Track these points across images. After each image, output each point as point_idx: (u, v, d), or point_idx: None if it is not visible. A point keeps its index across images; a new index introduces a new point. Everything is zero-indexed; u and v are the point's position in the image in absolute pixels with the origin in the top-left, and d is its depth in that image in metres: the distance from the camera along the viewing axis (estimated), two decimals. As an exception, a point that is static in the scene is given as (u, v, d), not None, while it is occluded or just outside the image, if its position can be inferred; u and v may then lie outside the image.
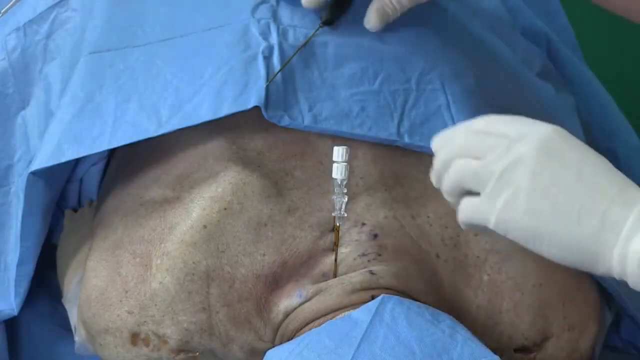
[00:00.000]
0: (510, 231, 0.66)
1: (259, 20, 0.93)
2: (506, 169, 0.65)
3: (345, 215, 0.83)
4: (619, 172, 0.68)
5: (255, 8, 0.95)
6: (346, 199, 0.83)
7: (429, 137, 0.87)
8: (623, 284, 0.89)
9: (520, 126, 0.67)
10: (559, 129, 0.66)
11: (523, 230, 0.66)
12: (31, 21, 1.02)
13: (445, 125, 0.89)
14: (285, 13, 0.94)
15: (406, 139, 0.87)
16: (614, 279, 0.67)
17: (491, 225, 0.67)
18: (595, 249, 0.66)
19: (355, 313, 0.76)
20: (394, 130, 0.87)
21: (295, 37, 0.92)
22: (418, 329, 0.74)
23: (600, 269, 0.67)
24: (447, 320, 0.77)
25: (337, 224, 0.84)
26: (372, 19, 0.88)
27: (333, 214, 0.83)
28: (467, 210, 0.68)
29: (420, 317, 0.75)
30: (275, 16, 0.94)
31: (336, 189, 0.83)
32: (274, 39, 0.91)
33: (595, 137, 1.23)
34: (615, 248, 0.65)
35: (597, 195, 0.65)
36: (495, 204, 0.66)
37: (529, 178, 0.65)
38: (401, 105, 0.89)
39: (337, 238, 0.84)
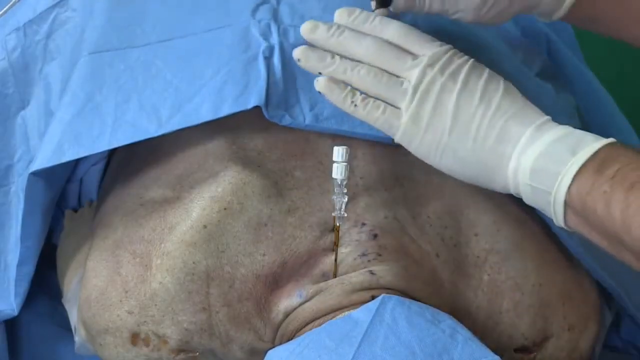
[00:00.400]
0: (412, 143, 0.75)
1: (259, 21, 0.93)
2: (418, 89, 0.74)
3: (345, 215, 0.83)
4: (522, 95, 0.74)
5: (256, 9, 0.95)
6: (346, 199, 0.83)
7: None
8: (624, 283, 0.90)
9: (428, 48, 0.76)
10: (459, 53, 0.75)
11: (424, 145, 0.75)
12: (31, 21, 1.02)
13: None
14: (285, 13, 0.94)
15: None
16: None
17: (397, 138, 0.76)
18: (492, 162, 0.73)
19: (356, 313, 0.76)
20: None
21: (296, 37, 0.92)
22: (418, 329, 0.74)
23: (497, 184, 0.75)
24: (447, 320, 0.77)
25: (337, 224, 0.84)
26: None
27: (333, 214, 0.83)
28: (375, 118, 0.76)
29: (420, 317, 0.75)
30: (275, 16, 0.94)
31: (336, 189, 0.83)
32: (274, 39, 0.91)
33: (595, 137, 1.23)
34: (510, 162, 0.72)
35: (496, 113, 0.72)
36: (401, 119, 0.75)
37: (435, 98, 0.74)
38: (402, 105, 0.89)
39: (337, 238, 0.84)
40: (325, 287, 0.83)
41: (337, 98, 0.77)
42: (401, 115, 0.75)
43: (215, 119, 0.85)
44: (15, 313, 0.96)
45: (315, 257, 0.84)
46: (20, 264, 0.94)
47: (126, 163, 0.97)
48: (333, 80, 0.77)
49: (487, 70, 0.76)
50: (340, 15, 0.79)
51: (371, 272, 0.83)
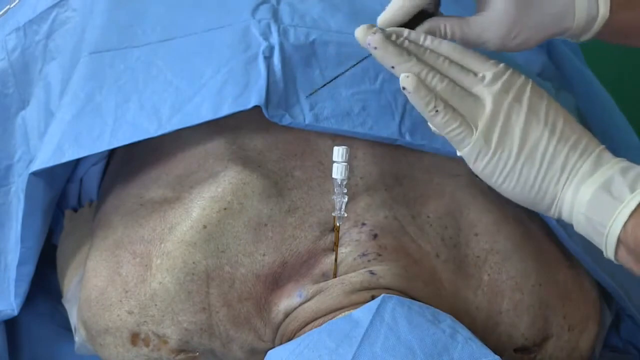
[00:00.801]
0: (477, 162, 0.74)
1: (259, 21, 0.93)
2: (491, 107, 0.73)
3: (346, 215, 0.83)
4: (576, 120, 0.75)
5: (256, 8, 0.95)
6: (346, 199, 0.83)
7: (430, 136, 0.87)
8: (624, 283, 0.90)
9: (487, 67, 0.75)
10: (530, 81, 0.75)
11: (490, 166, 0.74)
12: (31, 21, 1.02)
13: None
14: (286, 13, 0.94)
15: (407, 138, 0.87)
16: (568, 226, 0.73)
17: (463, 153, 0.75)
18: (552, 190, 0.73)
19: (356, 313, 0.76)
20: (395, 129, 0.87)
21: (296, 36, 0.92)
22: (419, 329, 0.74)
23: (551, 210, 0.75)
24: (447, 320, 0.77)
25: (337, 224, 0.84)
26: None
27: (333, 214, 0.83)
28: (451, 128, 0.74)
29: (420, 317, 0.75)
30: (275, 16, 0.94)
31: (336, 189, 0.83)
32: (274, 39, 0.91)
33: (595, 137, 1.23)
34: (569, 190, 0.72)
35: (560, 140, 0.73)
36: (473, 135, 0.73)
37: (503, 119, 0.73)
38: (402, 105, 0.89)
39: (337, 238, 0.84)
40: (325, 287, 0.83)
41: (421, 100, 0.74)
42: (473, 132, 0.74)
43: (215, 118, 0.85)
44: (15, 313, 0.96)
45: (315, 257, 0.84)
46: (20, 264, 0.94)
47: (126, 163, 0.97)
48: (422, 80, 0.75)
49: (545, 92, 0.75)
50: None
51: (371, 272, 0.83)
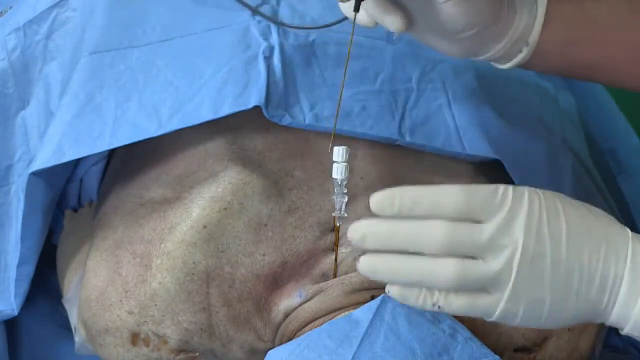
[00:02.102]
0: (513, 320, 0.66)
1: (259, 21, 0.93)
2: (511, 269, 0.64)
3: (346, 215, 0.83)
4: (591, 214, 0.67)
5: (256, 9, 0.95)
6: (346, 199, 0.83)
7: (430, 135, 0.87)
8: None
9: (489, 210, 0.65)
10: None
11: (526, 319, 0.66)
12: (31, 21, 1.02)
13: (446, 124, 0.89)
14: (285, 13, 0.94)
15: (407, 138, 0.87)
16: None
17: (494, 319, 0.66)
18: (596, 312, 0.66)
19: (356, 313, 0.76)
20: (395, 129, 0.87)
21: (296, 37, 0.92)
22: (419, 329, 0.74)
23: (598, 322, 0.68)
24: (447, 320, 0.77)
25: (337, 224, 0.84)
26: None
27: (333, 214, 0.83)
28: (468, 308, 0.66)
29: (420, 317, 0.75)
30: (275, 16, 0.94)
31: (336, 189, 0.83)
32: (274, 39, 0.91)
33: (595, 137, 1.24)
34: (614, 310, 0.66)
35: (591, 259, 0.65)
36: (499, 304, 0.65)
37: (528, 271, 0.64)
38: (402, 105, 0.89)
39: (337, 238, 0.84)
40: (325, 287, 0.83)
41: (415, 303, 0.67)
42: (498, 300, 0.65)
43: (215, 118, 0.85)
44: (15, 313, 0.96)
45: (315, 257, 0.84)
46: (20, 264, 0.94)
47: (126, 163, 0.97)
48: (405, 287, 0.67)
49: (558, 202, 0.66)
50: (379, 206, 0.66)
51: (371, 272, 0.82)
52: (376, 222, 0.66)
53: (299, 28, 0.93)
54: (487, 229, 0.64)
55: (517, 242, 0.64)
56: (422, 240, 0.64)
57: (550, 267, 0.64)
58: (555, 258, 0.64)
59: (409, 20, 0.77)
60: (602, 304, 0.65)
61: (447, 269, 0.64)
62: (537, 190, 0.66)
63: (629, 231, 0.67)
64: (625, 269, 0.65)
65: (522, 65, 0.81)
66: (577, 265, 0.65)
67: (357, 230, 0.66)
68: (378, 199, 0.65)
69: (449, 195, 0.64)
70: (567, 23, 0.80)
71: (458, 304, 0.65)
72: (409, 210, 0.65)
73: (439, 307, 0.66)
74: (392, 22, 0.77)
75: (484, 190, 0.65)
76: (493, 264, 0.64)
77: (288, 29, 0.93)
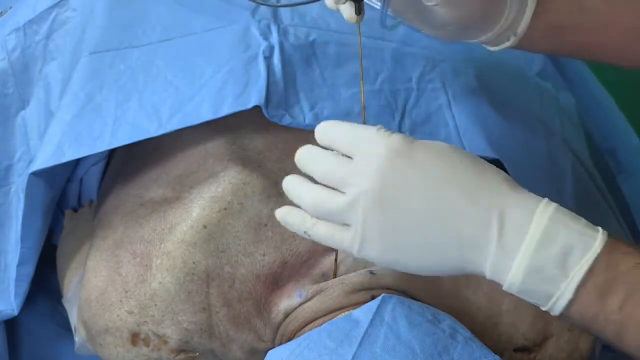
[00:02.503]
0: (372, 261, 0.70)
1: (259, 21, 0.93)
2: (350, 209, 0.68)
3: None
4: (497, 178, 0.69)
5: (256, 8, 0.95)
6: None
7: (430, 135, 0.87)
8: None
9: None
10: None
11: (386, 262, 0.70)
12: (31, 21, 1.02)
13: (446, 124, 0.89)
14: (285, 13, 0.94)
15: None
16: None
17: (355, 254, 0.70)
18: (465, 268, 0.68)
19: (356, 313, 0.76)
20: (396, 129, 0.87)
21: (296, 36, 0.92)
22: (419, 329, 0.74)
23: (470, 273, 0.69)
24: (447, 320, 0.77)
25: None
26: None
27: None
28: (330, 235, 0.71)
29: (420, 317, 0.75)
30: (275, 16, 0.94)
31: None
32: (274, 39, 0.91)
33: (595, 137, 1.24)
34: (486, 263, 0.67)
35: (448, 212, 0.67)
36: (353, 244, 0.69)
37: (374, 216, 0.68)
38: (402, 105, 0.89)
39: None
40: (325, 287, 0.83)
41: (291, 226, 0.73)
42: (354, 236, 0.70)
43: (215, 118, 0.85)
44: (15, 313, 0.96)
45: (315, 257, 0.84)
46: (20, 264, 0.94)
47: (126, 163, 0.97)
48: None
49: (434, 154, 0.69)
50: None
51: (371, 272, 0.83)
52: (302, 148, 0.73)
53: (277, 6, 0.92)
54: (347, 166, 0.69)
55: (362, 183, 0.67)
56: (310, 166, 0.72)
57: (403, 215, 0.67)
58: (409, 206, 0.67)
59: (362, 12, 0.78)
60: (470, 262, 0.67)
61: (309, 195, 0.70)
62: (403, 136, 0.69)
63: (540, 202, 0.67)
64: (497, 231, 0.66)
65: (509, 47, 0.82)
66: (435, 217, 0.67)
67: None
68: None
69: (341, 130, 0.71)
70: (558, 12, 0.80)
71: (320, 232, 0.71)
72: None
73: (304, 232, 0.71)
74: (344, 10, 0.78)
75: (364, 130, 0.70)
76: (340, 199, 0.68)
77: (288, 27, 0.93)
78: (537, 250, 0.65)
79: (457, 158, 0.69)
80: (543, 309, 0.67)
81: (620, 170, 1.24)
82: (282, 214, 0.73)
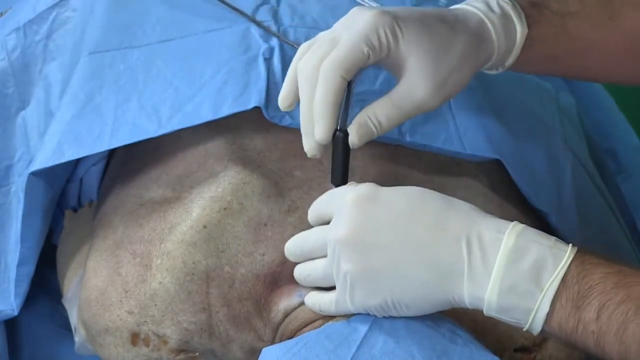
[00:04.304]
0: (359, 311, 0.74)
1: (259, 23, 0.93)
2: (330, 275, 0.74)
3: None
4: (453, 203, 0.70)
5: (256, 10, 0.95)
6: None
7: (430, 135, 0.87)
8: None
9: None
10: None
11: (378, 308, 0.72)
12: (31, 21, 1.02)
13: (446, 124, 0.89)
14: (286, 14, 0.94)
15: (407, 138, 0.87)
16: None
17: (349, 309, 0.74)
18: (449, 299, 0.70)
19: (355, 318, 0.76)
20: (396, 130, 0.87)
21: (296, 37, 0.92)
22: (418, 333, 0.73)
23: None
24: (447, 324, 0.76)
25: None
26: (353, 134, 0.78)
27: None
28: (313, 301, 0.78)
29: (419, 323, 0.75)
30: (275, 17, 0.94)
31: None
32: (274, 40, 0.91)
33: (595, 137, 1.24)
34: (464, 291, 0.69)
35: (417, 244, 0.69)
36: (342, 297, 0.73)
37: (352, 262, 0.71)
38: (403, 105, 0.89)
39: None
40: (325, 287, 0.83)
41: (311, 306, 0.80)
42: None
43: (216, 119, 0.85)
44: (15, 313, 0.95)
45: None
46: (20, 264, 0.94)
47: (126, 163, 0.97)
48: None
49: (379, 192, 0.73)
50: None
51: (371, 273, 0.83)
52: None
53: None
54: (325, 228, 0.74)
55: (337, 233, 0.71)
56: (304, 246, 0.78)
57: (378, 254, 0.70)
58: (381, 244, 0.70)
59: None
60: (452, 292, 0.69)
61: (297, 271, 0.79)
62: (371, 185, 0.73)
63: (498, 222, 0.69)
64: (466, 255, 0.67)
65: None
66: (409, 251, 0.69)
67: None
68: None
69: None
70: (547, 43, 0.81)
71: (308, 302, 0.79)
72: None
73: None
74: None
75: (338, 190, 0.76)
76: (321, 261, 0.74)
77: (288, 28, 0.93)
78: (508, 266, 0.66)
79: (424, 195, 0.71)
80: (524, 329, 0.68)
81: (620, 170, 1.24)
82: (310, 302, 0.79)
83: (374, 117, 0.75)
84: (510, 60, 0.81)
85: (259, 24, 0.93)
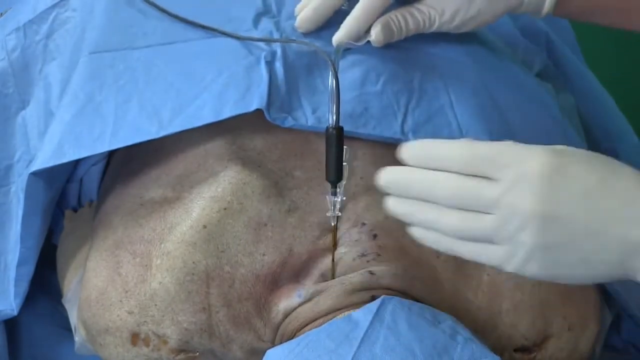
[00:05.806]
0: (529, 277, 0.69)
1: (261, 31, 0.93)
2: (517, 230, 0.66)
3: (340, 214, 0.84)
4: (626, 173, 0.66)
5: (257, 19, 0.94)
6: (339, 198, 0.83)
7: (433, 135, 0.87)
8: (625, 283, 0.89)
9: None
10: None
11: (544, 277, 0.68)
12: (31, 21, 1.02)
13: (449, 124, 0.89)
14: (288, 25, 0.94)
15: (410, 137, 0.87)
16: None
17: (509, 270, 0.69)
18: (624, 273, 0.66)
19: (356, 314, 0.76)
20: (398, 129, 0.87)
21: (299, 43, 0.91)
22: (419, 330, 0.74)
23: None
24: (448, 321, 0.77)
25: (333, 224, 0.84)
26: (377, 33, 0.85)
27: (327, 214, 0.84)
28: (476, 253, 0.70)
29: (420, 319, 0.75)
30: (277, 25, 0.94)
31: (330, 189, 0.83)
32: (277, 44, 0.90)
33: (595, 137, 1.24)
34: None
35: (606, 221, 0.65)
36: (511, 261, 0.68)
37: (536, 236, 0.66)
38: (404, 105, 0.89)
39: (335, 238, 0.84)
40: (325, 287, 0.83)
41: (432, 245, 0.72)
42: (509, 254, 0.69)
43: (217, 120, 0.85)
44: (15, 313, 0.95)
45: (315, 257, 0.84)
46: (20, 264, 0.94)
47: (126, 163, 0.97)
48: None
49: (573, 160, 0.67)
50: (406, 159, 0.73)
51: (371, 273, 0.83)
52: (397, 170, 0.72)
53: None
54: (494, 189, 0.66)
55: (519, 204, 0.65)
56: (434, 192, 0.69)
57: (564, 232, 0.65)
58: (569, 222, 0.65)
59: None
60: (629, 269, 0.65)
61: (450, 221, 0.69)
62: (550, 148, 0.67)
63: None
64: None
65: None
66: (594, 228, 0.65)
67: (381, 177, 0.73)
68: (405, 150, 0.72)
69: (457, 149, 0.69)
70: None
71: (465, 250, 0.70)
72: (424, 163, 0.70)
73: (451, 249, 0.70)
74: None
75: (493, 147, 0.68)
76: (489, 222, 0.67)
77: (290, 35, 0.93)
78: None
79: (609, 166, 0.67)
80: None
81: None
82: (417, 234, 0.73)
83: (395, 20, 0.77)
84: (546, 9, 0.81)
85: (257, 40, 0.92)
